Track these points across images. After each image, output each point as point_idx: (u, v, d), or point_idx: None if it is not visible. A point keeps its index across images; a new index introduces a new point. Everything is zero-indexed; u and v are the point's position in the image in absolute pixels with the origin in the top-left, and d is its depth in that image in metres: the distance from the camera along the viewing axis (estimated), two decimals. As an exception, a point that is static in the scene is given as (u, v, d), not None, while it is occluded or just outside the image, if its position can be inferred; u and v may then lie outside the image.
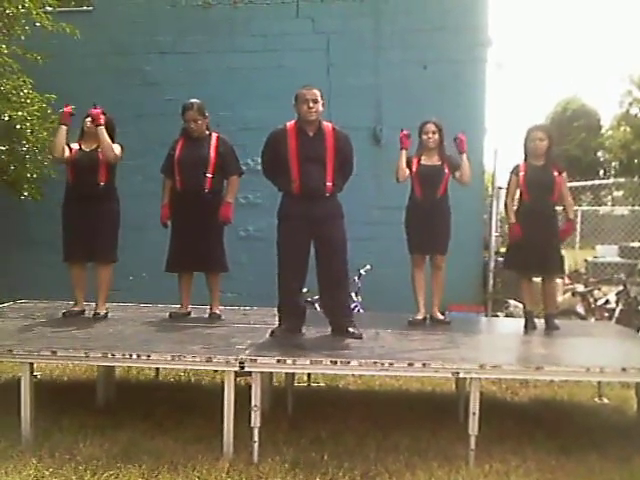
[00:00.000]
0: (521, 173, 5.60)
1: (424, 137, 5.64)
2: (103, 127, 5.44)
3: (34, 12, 7.70)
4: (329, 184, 4.88)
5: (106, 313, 5.61)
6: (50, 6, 8.03)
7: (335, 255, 4.94)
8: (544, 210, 5.55)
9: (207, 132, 5.63)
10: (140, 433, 4.53)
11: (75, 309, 5.61)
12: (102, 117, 5.45)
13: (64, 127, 5.48)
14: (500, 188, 9.12)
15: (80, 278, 5.63)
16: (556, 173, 5.55)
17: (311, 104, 4.80)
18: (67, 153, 5.51)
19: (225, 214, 5.56)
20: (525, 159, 5.66)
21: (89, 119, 5.51)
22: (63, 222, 5.58)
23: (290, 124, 4.94)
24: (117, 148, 5.55)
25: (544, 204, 5.54)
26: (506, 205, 5.78)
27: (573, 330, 5.69)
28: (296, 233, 4.88)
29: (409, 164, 5.65)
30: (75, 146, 5.58)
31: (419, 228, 5.59)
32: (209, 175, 5.50)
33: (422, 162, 5.65)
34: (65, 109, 5.53)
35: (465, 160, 5.64)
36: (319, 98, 4.85)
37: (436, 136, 5.61)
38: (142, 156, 8.39)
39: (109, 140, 5.46)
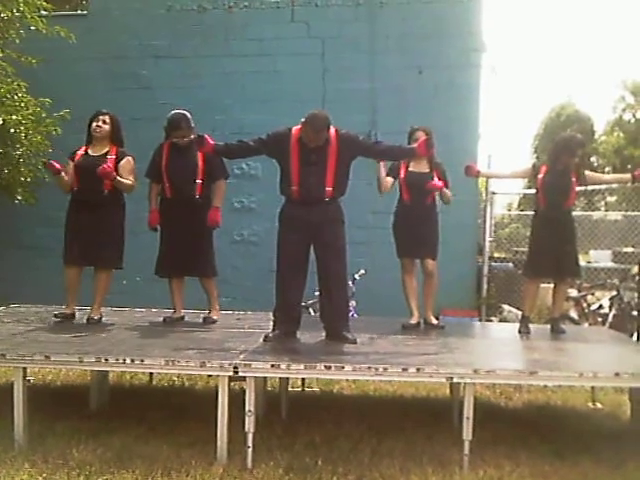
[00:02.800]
0: (540, 175, 5.67)
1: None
2: (117, 178, 5.35)
3: (29, 16, 7.69)
4: (329, 189, 4.87)
5: (100, 318, 5.59)
6: (45, 10, 8.02)
7: (333, 260, 4.95)
8: (560, 215, 5.63)
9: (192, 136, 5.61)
10: (134, 438, 4.51)
11: (66, 311, 5.57)
12: (112, 172, 5.31)
13: (59, 176, 5.43)
14: (494, 193, 9.15)
15: (74, 282, 5.57)
16: (574, 179, 5.61)
17: (312, 143, 4.79)
18: (71, 174, 5.46)
19: (214, 218, 5.58)
20: (547, 162, 5.74)
21: (96, 125, 5.47)
22: (66, 225, 5.54)
23: (295, 130, 4.88)
24: (129, 171, 5.49)
25: (559, 209, 5.63)
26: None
27: (567, 335, 5.69)
28: (295, 237, 4.90)
29: (397, 170, 5.67)
30: (81, 151, 5.52)
31: (407, 233, 5.65)
32: (199, 181, 5.52)
33: (410, 169, 5.66)
34: (106, 173, 5.28)
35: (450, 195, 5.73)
36: (322, 137, 4.78)
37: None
38: (137, 160, 8.33)
39: (126, 182, 5.43)
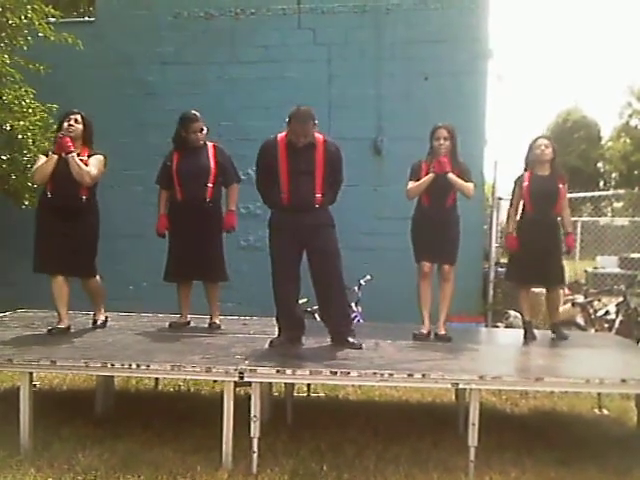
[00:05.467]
0: (525, 183, 5.59)
1: (435, 143, 5.42)
2: (74, 154, 5.08)
3: (36, 23, 7.73)
4: (318, 196, 4.88)
5: (105, 321, 5.60)
6: (52, 17, 8.07)
7: (327, 264, 4.94)
8: (546, 221, 5.55)
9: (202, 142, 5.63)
10: (139, 443, 4.52)
11: (60, 326, 5.26)
12: (70, 145, 5.09)
13: (55, 157, 5.13)
14: (500, 199, 9.13)
15: (62, 291, 5.23)
16: (560, 185, 5.54)
17: (301, 138, 4.80)
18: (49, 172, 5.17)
19: (230, 222, 5.59)
20: (526, 169, 5.67)
21: (69, 124, 5.21)
22: (38, 232, 5.28)
23: (281, 136, 4.91)
24: (96, 165, 5.21)
25: (546, 215, 5.54)
26: (509, 216, 5.77)
27: (573, 341, 5.68)
28: (286, 244, 4.90)
29: (418, 173, 5.46)
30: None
31: (427, 237, 5.41)
32: (210, 185, 5.51)
33: (432, 170, 5.42)
34: (64, 142, 5.09)
35: (453, 180, 5.35)
36: (310, 129, 4.80)
37: (447, 142, 5.38)
38: (143, 166, 8.37)
39: (81, 166, 5.10)
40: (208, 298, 5.80)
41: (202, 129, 5.55)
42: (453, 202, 5.51)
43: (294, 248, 4.92)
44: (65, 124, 5.25)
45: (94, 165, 5.22)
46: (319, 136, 4.93)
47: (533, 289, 5.83)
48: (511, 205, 5.76)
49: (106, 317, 5.64)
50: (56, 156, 5.15)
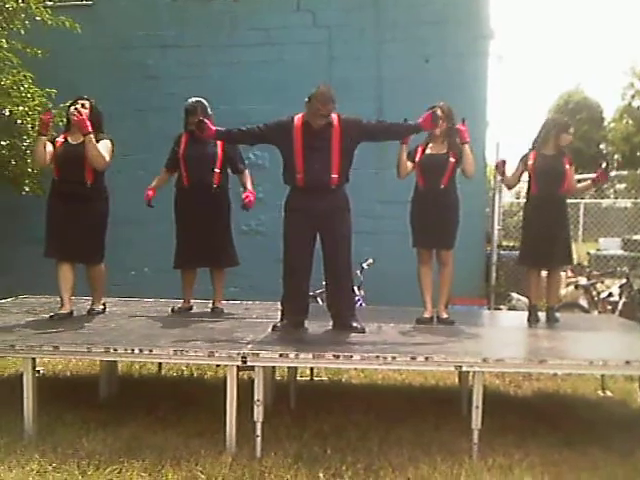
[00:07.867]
0: (530, 162, 5.57)
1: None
2: (92, 135, 5.09)
3: (33, 6, 7.66)
4: (334, 176, 4.85)
5: (103, 309, 5.58)
6: (50, 0, 7.99)
7: (339, 249, 4.93)
8: (552, 200, 5.52)
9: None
10: (143, 428, 4.53)
11: (62, 311, 5.25)
12: (88, 124, 5.08)
13: (43, 138, 5.12)
14: (502, 181, 9.09)
15: (67, 277, 5.24)
16: (567, 166, 5.51)
17: (319, 119, 4.76)
18: (50, 153, 5.18)
19: (248, 200, 5.62)
20: (533, 148, 5.63)
21: (74, 110, 5.17)
22: (47, 218, 5.27)
23: (298, 118, 4.88)
24: (106, 150, 5.20)
25: (552, 194, 5.50)
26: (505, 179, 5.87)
27: (576, 323, 5.67)
28: (300, 226, 4.88)
29: (414, 154, 5.46)
30: (60, 139, 5.29)
31: (423, 221, 5.39)
32: (217, 170, 5.50)
33: (427, 151, 5.44)
34: (43, 117, 5.14)
35: (468, 151, 5.39)
36: (331, 110, 4.79)
37: (442, 122, 5.32)
38: (144, 150, 8.37)
39: (97, 148, 5.11)
40: (214, 283, 5.79)
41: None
42: (449, 182, 5.40)
43: (307, 231, 4.89)
44: (71, 108, 5.24)
45: (103, 149, 5.20)
46: (334, 116, 4.86)
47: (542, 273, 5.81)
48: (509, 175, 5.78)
49: (104, 305, 5.62)
50: (43, 138, 5.14)
